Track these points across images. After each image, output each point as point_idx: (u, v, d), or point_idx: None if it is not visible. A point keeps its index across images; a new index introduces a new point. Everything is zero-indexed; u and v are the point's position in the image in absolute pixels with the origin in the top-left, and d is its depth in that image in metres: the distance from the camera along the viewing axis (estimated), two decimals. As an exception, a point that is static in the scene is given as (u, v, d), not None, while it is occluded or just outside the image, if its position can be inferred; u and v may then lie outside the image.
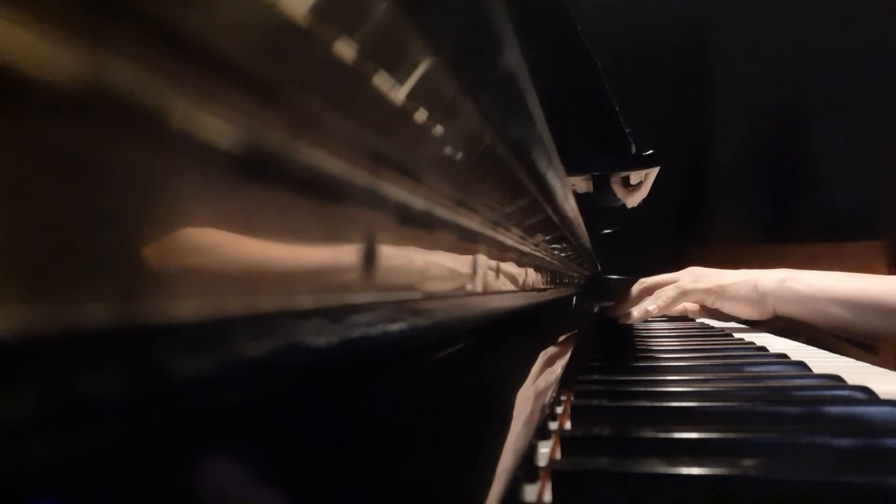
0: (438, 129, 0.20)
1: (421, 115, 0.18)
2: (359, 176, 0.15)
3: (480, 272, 0.29)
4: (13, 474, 0.07)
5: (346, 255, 0.15)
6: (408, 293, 0.20)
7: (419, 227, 0.20)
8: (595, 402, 0.44)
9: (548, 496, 0.29)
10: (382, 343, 0.19)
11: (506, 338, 0.47)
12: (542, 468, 0.30)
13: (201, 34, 0.09)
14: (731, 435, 0.34)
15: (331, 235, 0.14)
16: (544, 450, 0.34)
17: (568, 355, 0.55)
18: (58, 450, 0.08)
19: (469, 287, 0.27)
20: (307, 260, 0.13)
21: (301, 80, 0.12)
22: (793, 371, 0.58)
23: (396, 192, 0.17)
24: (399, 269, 0.18)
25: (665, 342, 0.84)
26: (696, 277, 1.02)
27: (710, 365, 0.63)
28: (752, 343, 0.79)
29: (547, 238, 0.52)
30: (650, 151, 0.88)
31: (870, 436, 0.34)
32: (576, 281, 0.99)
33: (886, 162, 2.07)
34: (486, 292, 0.31)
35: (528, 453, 0.29)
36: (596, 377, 0.56)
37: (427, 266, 0.21)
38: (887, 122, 2.06)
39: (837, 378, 0.52)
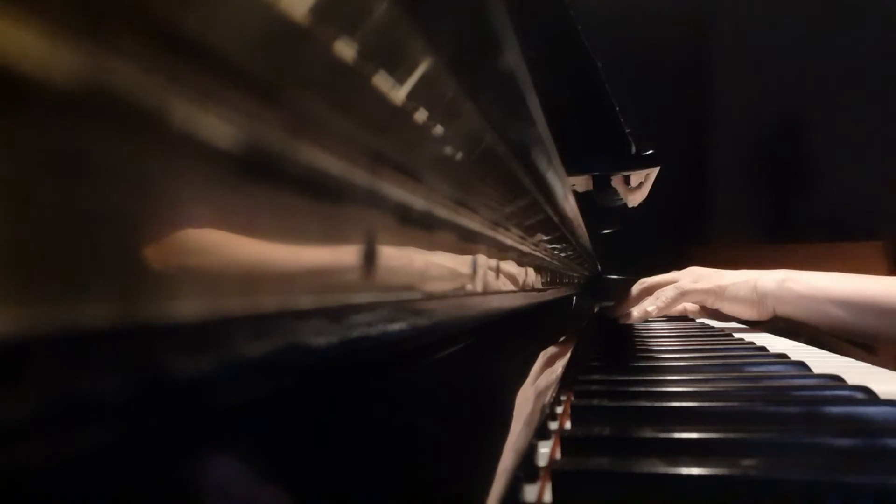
0: (438, 129, 0.20)
1: (421, 115, 0.18)
2: (359, 176, 0.15)
3: (480, 272, 0.29)
4: (13, 474, 0.07)
5: (345, 255, 0.15)
6: (408, 293, 0.20)
7: (419, 227, 0.20)
8: (595, 402, 0.44)
9: (548, 496, 0.29)
10: (382, 343, 0.19)
11: (506, 338, 0.47)
12: (542, 468, 0.30)
13: (201, 34, 0.09)
14: (731, 435, 0.34)
15: (331, 235, 0.14)
16: (544, 450, 0.34)
17: (568, 355, 0.55)
18: (58, 450, 0.08)
19: (469, 287, 0.27)
20: (307, 260, 0.13)
21: (301, 80, 0.12)
22: (793, 371, 0.58)
23: (396, 192, 0.17)
24: (399, 269, 0.18)
25: (665, 342, 0.84)
26: (696, 278, 1.02)
27: (710, 365, 0.63)
28: (752, 343, 0.79)
29: (547, 238, 0.52)
30: (650, 151, 0.88)
31: (870, 436, 0.34)
32: (576, 281, 0.99)
33: (886, 162, 2.08)
34: (485, 292, 0.31)
35: (528, 453, 0.29)
36: (596, 377, 0.56)
37: (427, 266, 0.21)
38: (887, 122, 2.06)
39: (837, 378, 0.52)
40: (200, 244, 0.10)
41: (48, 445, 0.08)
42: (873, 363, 0.65)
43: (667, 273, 1.06)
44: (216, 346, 0.10)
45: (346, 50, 0.13)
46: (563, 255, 0.69)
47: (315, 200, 0.13)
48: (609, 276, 1.35)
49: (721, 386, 0.51)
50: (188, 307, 0.09)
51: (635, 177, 0.91)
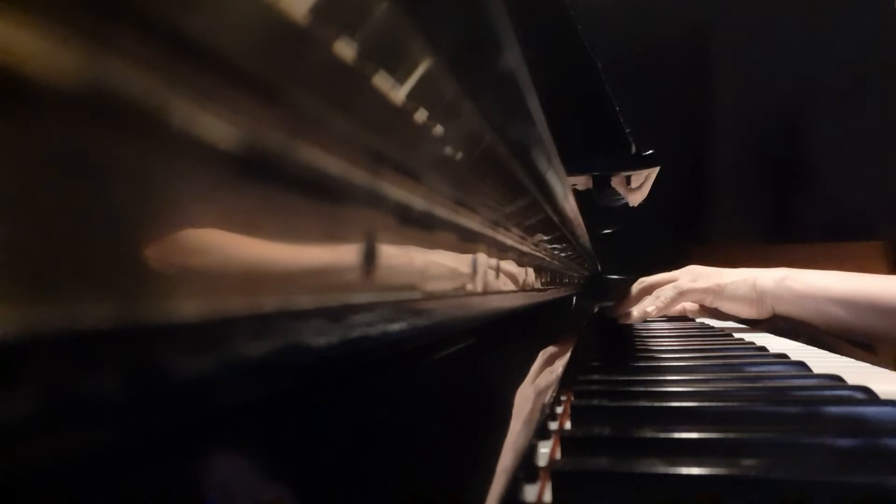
0: (438, 129, 0.20)
1: (421, 115, 0.18)
2: (359, 176, 0.15)
3: (480, 272, 0.29)
4: (13, 474, 0.07)
5: (346, 254, 0.15)
6: (408, 293, 0.20)
7: (419, 227, 0.20)
8: (595, 402, 0.44)
9: (548, 496, 0.29)
10: (382, 343, 0.19)
11: (506, 338, 0.47)
12: (542, 468, 0.30)
13: (201, 34, 0.09)
14: (731, 435, 0.34)
15: (331, 235, 0.14)
16: (544, 450, 0.34)
17: (568, 355, 0.55)
18: (58, 450, 0.08)
19: (469, 287, 0.27)
20: (307, 260, 0.13)
21: (301, 80, 0.12)
22: (793, 371, 0.58)
23: (396, 192, 0.17)
24: (399, 268, 0.18)
25: (665, 342, 0.84)
26: (695, 277, 1.02)
27: (710, 365, 0.63)
28: (752, 343, 0.79)
29: (547, 238, 0.52)
30: (650, 151, 0.88)
31: (870, 436, 0.34)
32: (576, 281, 0.99)
33: (886, 162, 2.07)
34: (485, 292, 0.31)
35: (528, 453, 0.29)
36: (596, 377, 0.56)
37: (427, 266, 0.21)
38: (887, 122, 2.06)
39: (837, 378, 0.52)
40: (200, 244, 0.10)
41: (48, 445, 0.08)
42: (873, 363, 0.65)
43: (666, 272, 1.06)
44: (216, 345, 0.10)
45: (346, 50, 0.13)
46: (563, 255, 0.69)
47: (315, 200, 0.13)
48: (609, 276, 1.35)
49: (721, 386, 0.51)
50: (188, 307, 0.09)
51: (635, 177, 0.91)
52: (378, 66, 0.14)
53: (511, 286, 0.39)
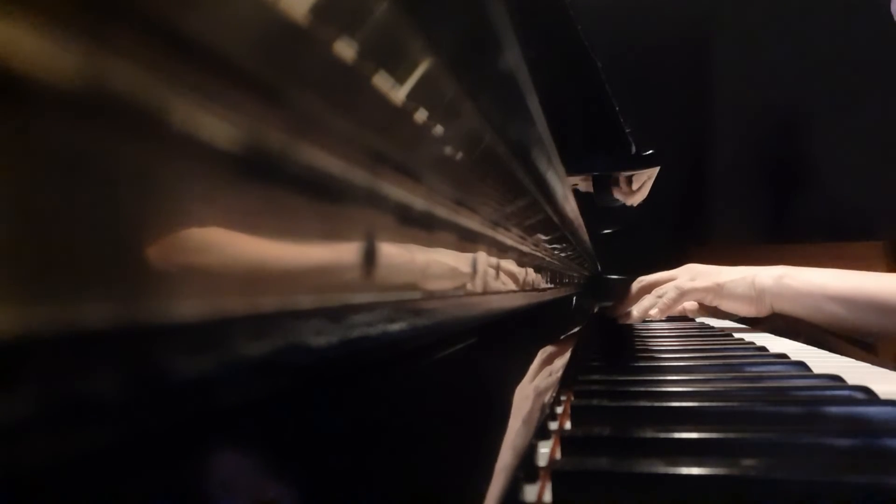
0: (438, 129, 0.20)
1: (421, 115, 0.18)
2: (359, 176, 0.15)
3: (480, 272, 0.29)
4: (13, 474, 0.07)
5: (346, 254, 0.15)
6: (408, 293, 0.20)
7: (419, 227, 0.20)
8: (595, 402, 0.44)
9: (548, 496, 0.29)
10: (382, 343, 0.19)
11: (506, 338, 0.47)
12: (542, 468, 0.30)
13: (202, 34, 0.09)
14: (731, 435, 0.34)
15: (331, 235, 0.14)
16: (544, 450, 0.34)
17: (568, 355, 0.55)
18: (58, 450, 0.08)
19: (469, 287, 0.27)
20: (307, 259, 0.13)
21: (301, 80, 0.12)
22: (793, 371, 0.58)
23: (396, 191, 0.17)
24: (399, 268, 0.18)
25: (665, 342, 0.84)
26: (694, 275, 1.02)
27: (710, 365, 0.63)
28: (752, 343, 0.79)
29: (547, 238, 0.52)
30: (650, 151, 0.88)
31: (870, 436, 0.34)
32: (576, 281, 0.99)
33: (886, 162, 2.07)
34: (485, 292, 0.31)
35: (529, 453, 0.29)
36: (596, 377, 0.56)
37: (427, 266, 0.21)
38: (887, 122, 2.06)
39: (837, 378, 0.52)
40: (200, 244, 0.10)
41: (48, 445, 0.08)
42: (873, 363, 0.65)
43: (664, 271, 1.06)
44: (216, 345, 0.10)
45: (346, 50, 0.13)
46: (563, 255, 0.69)
47: (315, 200, 0.13)
48: (609, 276, 1.35)
49: (721, 386, 0.51)
50: (188, 307, 0.09)
51: (635, 177, 0.91)
52: (378, 66, 0.14)
53: (511, 286, 0.39)
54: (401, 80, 0.16)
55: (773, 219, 2.33)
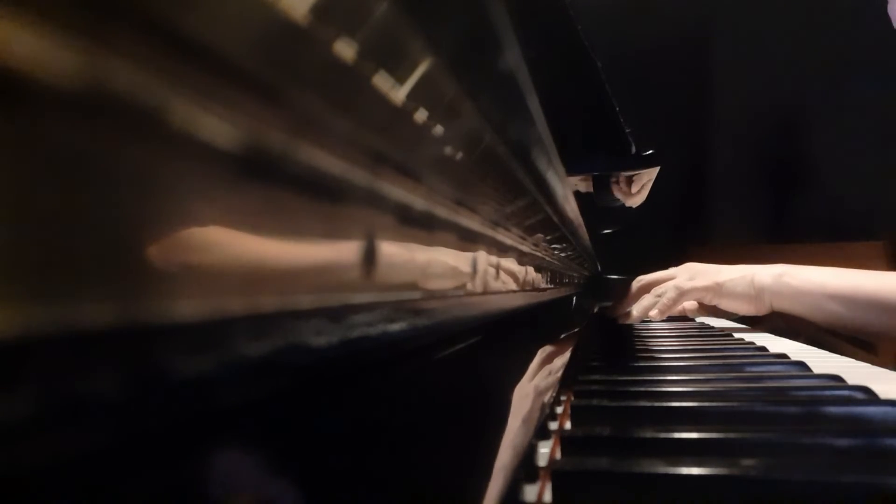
0: (438, 129, 0.20)
1: (421, 115, 0.18)
2: (359, 176, 0.15)
3: (480, 272, 0.29)
4: (13, 474, 0.07)
5: (346, 254, 0.15)
6: (408, 293, 0.20)
7: (419, 227, 0.20)
8: (595, 402, 0.44)
9: (548, 496, 0.29)
10: (382, 343, 0.19)
11: (506, 338, 0.47)
12: (542, 468, 0.30)
13: (202, 34, 0.09)
14: (731, 435, 0.34)
15: (331, 235, 0.14)
16: (544, 450, 0.34)
17: (568, 355, 0.55)
18: (58, 450, 0.08)
19: (469, 287, 0.27)
20: (308, 259, 0.13)
21: (301, 80, 0.12)
22: (793, 371, 0.58)
23: (396, 191, 0.17)
24: (399, 268, 0.18)
25: (665, 342, 0.84)
26: (693, 274, 1.01)
27: (710, 365, 0.63)
28: (752, 343, 0.79)
29: (547, 238, 0.52)
30: (650, 151, 0.88)
31: (870, 436, 0.34)
32: (576, 281, 0.99)
33: (886, 162, 2.07)
34: (485, 292, 0.31)
35: (529, 453, 0.29)
36: (596, 377, 0.56)
37: (427, 266, 0.21)
38: (887, 122, 2.06)
39: (837, 378, 0.52)
40: (201, 244, 0.10)
41: (48, 445, 0.08)
42: (873, 363, 0.65)
43: (663, 270, 1.06)
44: (216, 345, 0.10)
45: (346, 50, 0.13)
46: (563, 254, 0.69)
47: (315, 200, 0.13)
48: (609, 276, 1.35)
49: (721, 386, 0.51)
50: (188, 307, 0.09)
51: (635, 177, 0.91)
52: (378, 66, 0.14)
53: (511, 286, 0.39)
54: (401, 80, 0.16)
55: (773, 219, 2.33)
